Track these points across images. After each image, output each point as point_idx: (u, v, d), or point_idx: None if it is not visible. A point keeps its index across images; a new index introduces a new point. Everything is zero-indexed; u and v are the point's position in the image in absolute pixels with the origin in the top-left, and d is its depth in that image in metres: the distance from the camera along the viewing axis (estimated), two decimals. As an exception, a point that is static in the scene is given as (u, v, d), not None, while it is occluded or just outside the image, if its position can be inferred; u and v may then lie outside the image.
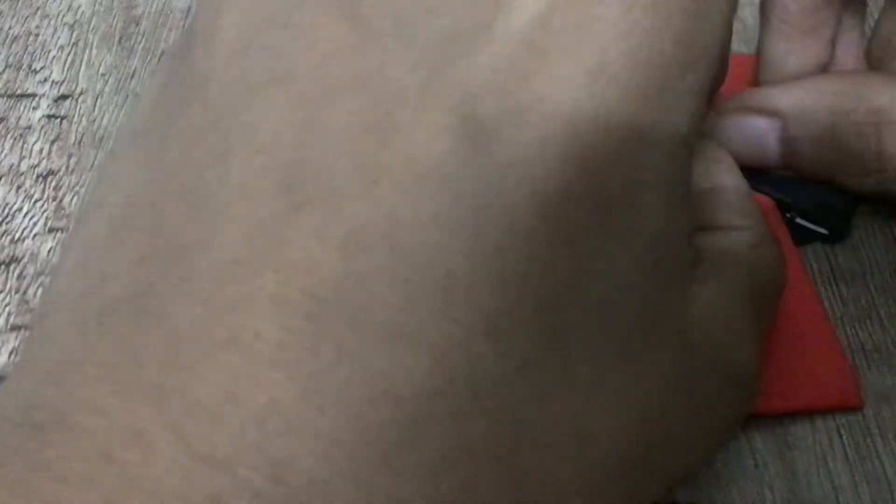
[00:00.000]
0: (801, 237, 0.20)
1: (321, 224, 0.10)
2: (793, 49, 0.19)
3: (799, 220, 0.19)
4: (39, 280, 0.21)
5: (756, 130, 0.18)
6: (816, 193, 0.19)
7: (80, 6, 0.28)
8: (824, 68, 0.20)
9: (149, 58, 0.26)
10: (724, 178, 0.15)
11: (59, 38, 0.27)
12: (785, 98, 0.18)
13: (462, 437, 0.09)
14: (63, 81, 0.26)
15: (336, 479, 0.08)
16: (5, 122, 0.25)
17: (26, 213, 0.23)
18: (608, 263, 0.10)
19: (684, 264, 0.12)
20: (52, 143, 0.24)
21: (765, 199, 0.19)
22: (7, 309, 0.20)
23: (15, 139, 0.24)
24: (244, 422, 0.08)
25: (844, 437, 0.18)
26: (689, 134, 0.11)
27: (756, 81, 0.20)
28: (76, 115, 0.25)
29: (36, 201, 0.23)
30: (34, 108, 0.25)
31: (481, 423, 0.09)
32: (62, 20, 0.28)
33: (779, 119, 0.18)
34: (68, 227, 0.22)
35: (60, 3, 0.28)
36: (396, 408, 0.09)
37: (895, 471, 0.17)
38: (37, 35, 0.27)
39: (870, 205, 0.21)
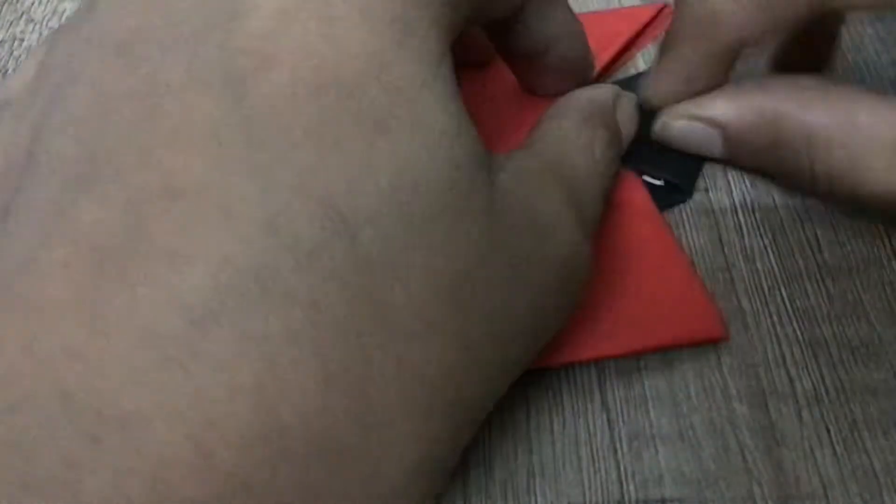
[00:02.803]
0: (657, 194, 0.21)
1: (103, 195, 0.11)
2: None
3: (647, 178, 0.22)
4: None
5: (702, 137, 0.20)
6: (667, 162, 0.21)
7: (64, 10, 0.28)
8: None
9: (135, 62, 0.26)
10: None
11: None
12: (729, 112, 0.20)
13: (255, 326, 0.10)
14: (48, 86, 0.26)
15: (129, 387, 0.10)
16: (-10, 126, 0.25)
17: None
18: (390, 159, 0.12)
19: (478, 154, 0.14)
20: (38, 147, 0.24)
21: None
22: None
23: (0, 144, 0.24)
24: None
25: (832, 432, 0.18)
26: (437, 54, 0.13)
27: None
28: (61, 120, 0.25)
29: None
30: (19, 113, 0.25)
31: (273, 311, 0.11)
32: (47, 25, 0.28)
33: (722, 130, 0.20)
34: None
35: (45, 7, 0.28)
36: (184, 314, 0.10)
37: (883, 465, 0.17)
38: (21, 40, 0.27)
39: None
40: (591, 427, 0.18)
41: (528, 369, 0.18)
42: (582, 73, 0.21)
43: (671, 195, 0.21)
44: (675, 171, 0.21)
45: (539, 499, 0.17)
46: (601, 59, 0.24)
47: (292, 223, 0.11)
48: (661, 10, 0.25)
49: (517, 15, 0.18)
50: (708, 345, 0.19)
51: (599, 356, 0.18)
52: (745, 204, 0.21)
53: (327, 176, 0.11)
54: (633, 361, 0.19)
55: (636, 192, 0.21)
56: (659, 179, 0.21)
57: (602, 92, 0.19)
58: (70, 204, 0.11)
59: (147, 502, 0.10)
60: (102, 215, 0.11)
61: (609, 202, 0.20)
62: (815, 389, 0.18)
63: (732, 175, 0.22)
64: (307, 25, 0.12)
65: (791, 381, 0.18)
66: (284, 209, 0.11)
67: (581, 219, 0.16)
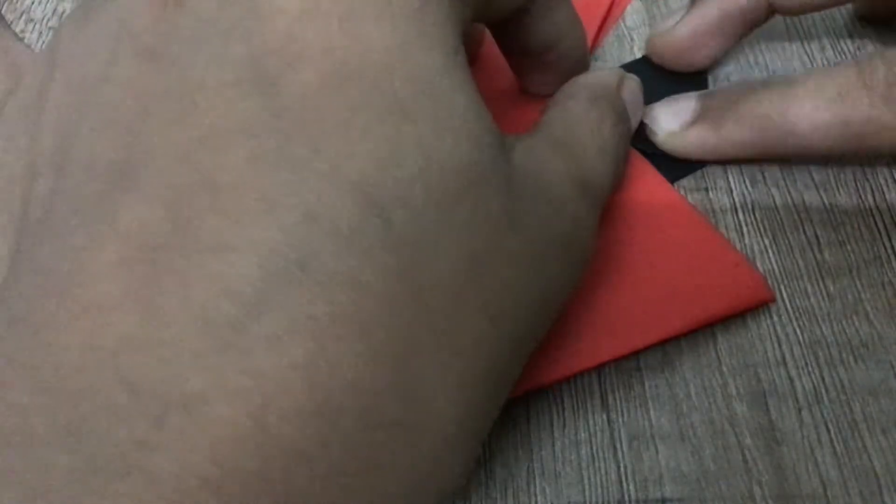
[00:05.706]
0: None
1: (146, 194, 0.12)
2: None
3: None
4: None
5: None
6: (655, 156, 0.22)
7: (64, 10, 0.28)
8: None
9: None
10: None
11: (43, 42, 0.27)
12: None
13: (302, 308, 0.11)
14: (48, 85, 0.26)
15: (188, 371, 0.11)
16: (-10, 126, 0.25)
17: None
18: (416, 144, 0.13)
19: (496, 135, 0.14)
20: (37, 147, 0.24)
21: None
22: None
23: None
24: None
25: (832, 432, 0.18)
26: (452, 45, 0.14)
27: None
28: (61, 119, 0.25)
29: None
30: (19, 113, 0.25)
31: (318, 293, 0.11)
32: (47, 24, 0.28)
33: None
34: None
35: (45, 7, 0.28)
36: (236, 301, 0.11)
37: (883, 465, 0.17)
38: (21, 39, 0.27)
39: (856, 200, 0.21)
40: (591, 427, 0.18)
41: (579, 370, 0.18)
42: (578, 72, 0.21)
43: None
44: (667, 167, 0.22)
45: (539, 499, 0.17)
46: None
47: (330, 210, 0.12)
48: None
49: (522, 14, 0.18)
50: (759, 307, 0.20)
51: (654, 341, 0.18)
52: (745, 204, 0.21)
53: (359, 163, 0.12)
54: (633, 361, 0.19)
55: (647, 172, 0.21)
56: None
57: (607, 74, 0.20)
58: (113, 204, 0.12)
59: (214, 477, 0.10)
60: (147, 214, 0.12)
61: (623, 184, 0.21)
62: (815, 389, 0.18)
63: (732, 175, 0.22)
64: (330, 23, 0.13)
65: (791, 381, 0.18)
66: (322, 197, 0.12)
67: (587, 195, 0.16)
